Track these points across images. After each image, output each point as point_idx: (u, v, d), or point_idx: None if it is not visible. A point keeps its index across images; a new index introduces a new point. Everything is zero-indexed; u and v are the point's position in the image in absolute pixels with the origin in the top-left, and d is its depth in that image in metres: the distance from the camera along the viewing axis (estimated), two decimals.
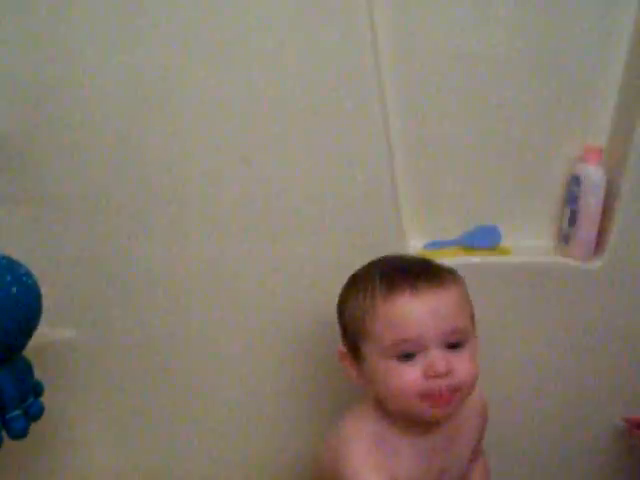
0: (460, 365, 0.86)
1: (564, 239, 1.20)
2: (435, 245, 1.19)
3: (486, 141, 1.20)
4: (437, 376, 0.85)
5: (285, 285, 1.12)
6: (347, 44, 1.08)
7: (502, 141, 1.20)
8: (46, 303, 0.90)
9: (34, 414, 0.94)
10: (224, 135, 1.10)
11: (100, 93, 1.07)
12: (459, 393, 0.87)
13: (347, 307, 0.93)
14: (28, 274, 0.90)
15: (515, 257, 1.19)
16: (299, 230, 1.14)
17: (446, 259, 1.15)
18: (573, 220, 1.17)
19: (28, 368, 0.94)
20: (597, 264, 1.17)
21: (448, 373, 0.85)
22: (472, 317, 0.92)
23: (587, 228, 1.16)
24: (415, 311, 0.86)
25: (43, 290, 0.90)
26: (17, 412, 0.90)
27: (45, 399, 0.95)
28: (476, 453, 1.03)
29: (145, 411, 1.18)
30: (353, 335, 0.92)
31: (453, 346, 0.87)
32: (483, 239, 1.19)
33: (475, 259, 1.17)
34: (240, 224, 1.13)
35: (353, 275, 0.96)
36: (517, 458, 1.28)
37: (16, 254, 0.90)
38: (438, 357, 0.85)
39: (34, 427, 0.92)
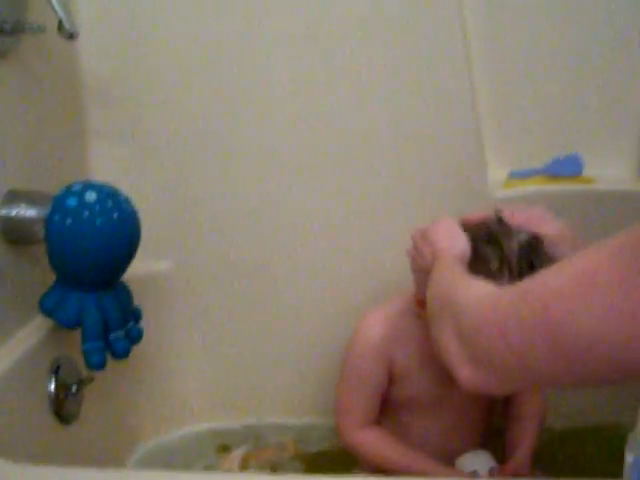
0: None
1: None
2: (519, 174, 1.19)
3: (571, 72, 1.19)
4: None
5: (375, 216, 1.14)
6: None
7: (586, 73, 1.19)
8: (143, 236, 0.94)
9: (134, 337, 0.98)
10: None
11: (191, 40, 1.11)
12: None
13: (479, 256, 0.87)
14: (127, 201, 0.93)
15: (598, 185, 1.18)
16: (391, 168, 1.16)
17: (530, 187, 1.17)
18: None
19: (128, 293, 0.98)
20: None
21: None
22: None
23: None
24: None
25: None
26: (120, 333, 0.95)
27: (143, 328, 1.00)
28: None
29: (238, 338, 1.21)
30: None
31: None
32: (566, 168, 1.18)
33: (558, 187, 1.17)
34: (330, 174, 1.16)
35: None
36: None
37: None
38: None
39: (132, 354, 0.96)
